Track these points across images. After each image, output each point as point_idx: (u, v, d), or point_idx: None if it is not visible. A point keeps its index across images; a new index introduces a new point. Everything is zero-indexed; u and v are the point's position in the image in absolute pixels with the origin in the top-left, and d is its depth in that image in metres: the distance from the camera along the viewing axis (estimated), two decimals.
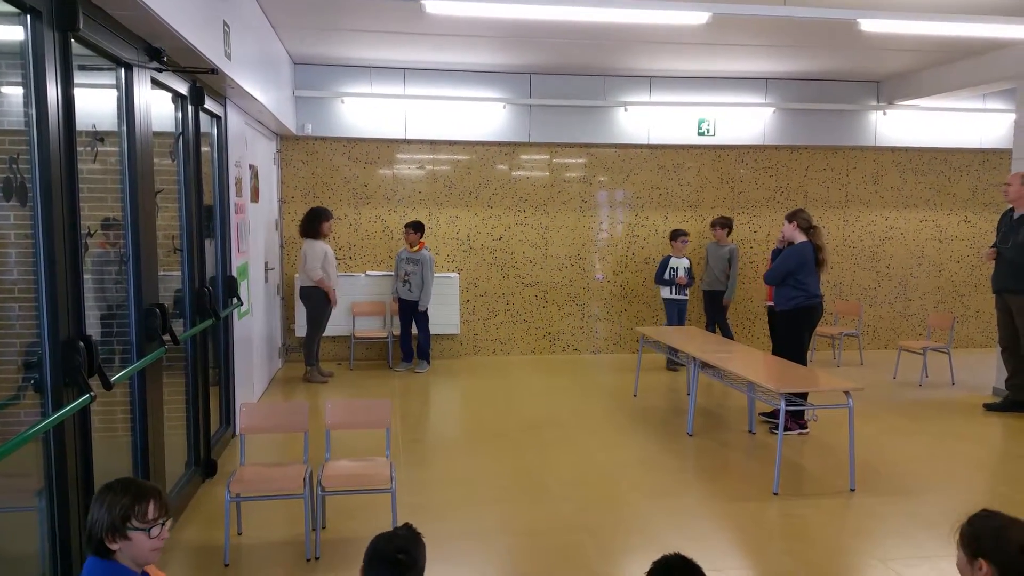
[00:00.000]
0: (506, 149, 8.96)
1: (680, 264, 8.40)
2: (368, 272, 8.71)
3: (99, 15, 3.22)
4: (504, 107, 8.68)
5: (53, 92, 2.75)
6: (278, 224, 8.53)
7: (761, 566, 3.93)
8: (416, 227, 8.10)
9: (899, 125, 9.36)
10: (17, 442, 2.41)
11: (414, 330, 8.32)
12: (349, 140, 8.66)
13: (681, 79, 8.88)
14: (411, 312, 8.19)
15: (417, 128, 8.58)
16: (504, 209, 9.02)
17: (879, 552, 4.06)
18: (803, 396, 5.68)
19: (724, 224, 8.64)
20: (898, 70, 8.58)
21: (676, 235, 8.51)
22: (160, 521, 2.23)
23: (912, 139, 9.43)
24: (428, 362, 8.38)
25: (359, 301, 8.55)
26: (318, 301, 7.68)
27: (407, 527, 2.28)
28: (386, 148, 8.77)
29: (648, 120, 8.95)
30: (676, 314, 8.43)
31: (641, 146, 9.13)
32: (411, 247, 8.12)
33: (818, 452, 5.70)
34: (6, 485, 3.12)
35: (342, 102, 8.41)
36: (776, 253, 6.48)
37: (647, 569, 2.10)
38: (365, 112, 8.48)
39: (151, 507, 2.21)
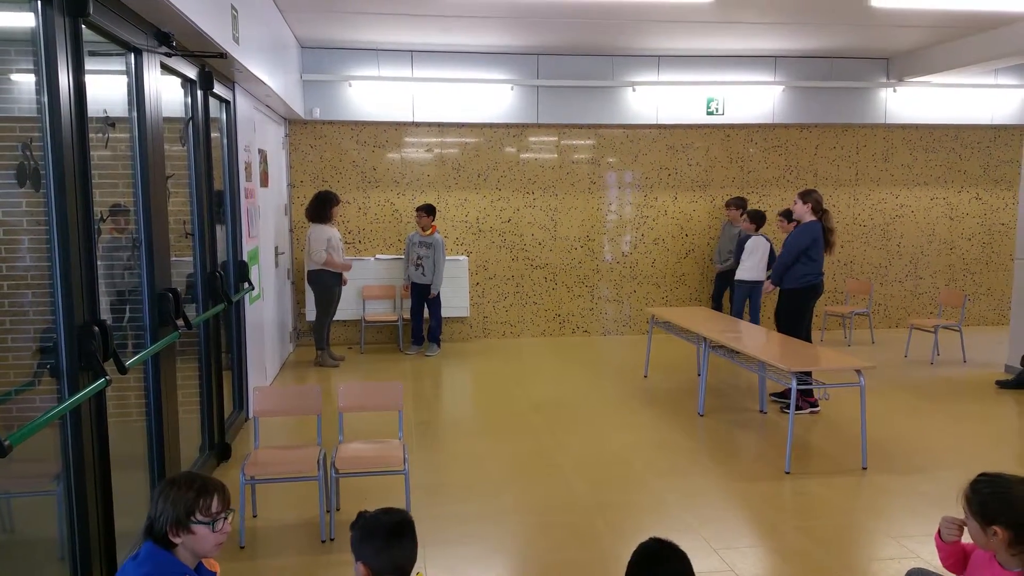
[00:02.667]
0: (514, 131, 8.92)
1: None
2: (378, 256, 8.72)
3: (109, 0, 3.21)
4: (512, 89, 8.64)
5: (65, 78, 2.75)
6: (287, 209, 8.54)
7: (774, 544, 3.95)
8: (428, 210, 8.09)
9: (909, 102, 9.27)
10: (36, 426, 2.44)
11: (426, 313, 8.33)
12: (357, 124, 8.64)
13: (690, 58, 8.81)
14: (424, 296, 8.19)
15: (425, 111, 8.56)
16: (513, 191, 9.00)
17: (892, 530, 4.08)
18: (807, 374, 5.68)
19: (739, 204, 8.60)
20: (908, 46, 8.49)
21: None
22: (223, 515, 2.25)
23: (922, 116, 9.34)
24: (438, 345, 8.41)
25: (369, 285, 8.57)
26: (325, 284, 7.70)
27: (360, 514, 2.27)
28: (394, 131, 8.75)
29: (657, 100, 8.89)
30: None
31: (650, 126, 9.08)
32: (423, 230, 8.12)
33: (829, 431, 5.70)
34: (24, 470, 3.15)
35: (349, 85, 8.38)
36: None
37: (629, 559, 2.11)
38: (373, 95, 8.46)
39: (215, 501, 2.23)
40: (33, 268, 3.05)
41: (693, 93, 8.91)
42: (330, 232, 7.62)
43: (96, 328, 2.88)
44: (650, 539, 2.13)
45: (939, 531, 2.55)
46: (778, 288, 6.35)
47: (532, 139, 8.99)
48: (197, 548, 2.22)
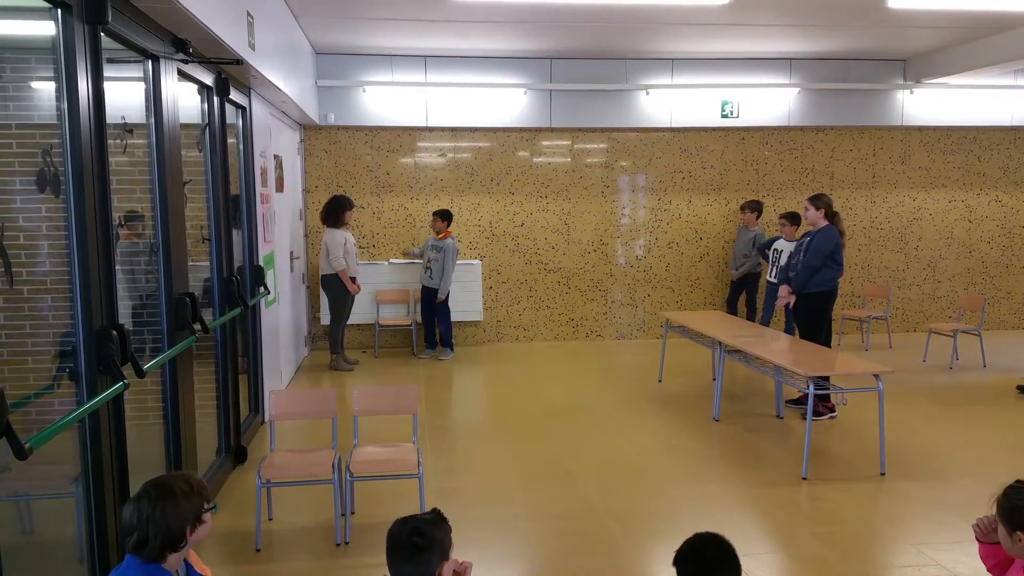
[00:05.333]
0: (527, 135, 8.93)
1: (787, 247, 7.53)
2: (391, 260, 8.74)
3: (127, 8, 3.24)
4: (525, 93, 8.65)
5: (84, 85, 2.78)
6: (302, 214, 8.58)
7: (791, 551, 3.92)
8: (442, 215, 8.10)
9: (927, 104, 9.19)
10: (55, 429, 2.46)
11: None
12: (371, 129, 8.67)
13: (704, 61, 8.79)
14: (432, 300, 8.20)
15: (438, 116, 8.58)
16: (526, 195, 9.00)
17: (911, 537, 4.04)
18: (825, 379, 5.64)
19: (754, 208, 8.56)
20: (925, 48, 8.42)
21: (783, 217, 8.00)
22: (212, 504, 2.42)
23: (940, 118, 9.26)
24: (452, 349, 8.41)
25: (383, 289, 8.59)
26: (338, 289, 7.72)
27: (434, 511, 2.29)
28: (408, 136, 8.77)
29: (670, 103, 8.87)
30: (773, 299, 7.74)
31: (663, 129, 9.06)
32: (437, 235, 8.13)
33: (847, 436, 5.66)
34: (43, 472, 3.18)
35: (364, 91, 8.42)
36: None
37: (678, 547, 2.11)
38: (386, 100, 8.49)
39: (206, 491, 2.38)
40: (52, 272, 3.08)
41: (707, 96, 8.88)
42: (345, 236, 7.65)
43: (114, 332, 2.90)
44: (706, 532, 2.13)
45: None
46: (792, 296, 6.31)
47: (545, 143, 8.99)
48: (201, 538, 2.37)
